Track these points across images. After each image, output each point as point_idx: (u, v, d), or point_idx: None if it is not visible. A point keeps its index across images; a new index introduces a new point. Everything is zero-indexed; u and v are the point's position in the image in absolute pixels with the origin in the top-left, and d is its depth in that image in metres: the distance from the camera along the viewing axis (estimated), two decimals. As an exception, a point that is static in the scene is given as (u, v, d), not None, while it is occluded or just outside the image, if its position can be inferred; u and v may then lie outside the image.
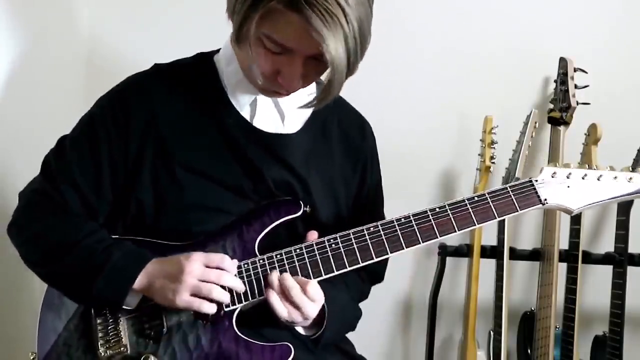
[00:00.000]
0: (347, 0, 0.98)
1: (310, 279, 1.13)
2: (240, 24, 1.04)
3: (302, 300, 1.10)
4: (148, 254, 1.13)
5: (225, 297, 1.09)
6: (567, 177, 1.17)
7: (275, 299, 1.10)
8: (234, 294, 1.12)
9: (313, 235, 1.18)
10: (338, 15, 0.97)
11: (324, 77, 1.12)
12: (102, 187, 1.17)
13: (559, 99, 1.89)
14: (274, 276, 1.11)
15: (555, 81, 1.92)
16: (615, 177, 1.17)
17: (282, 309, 1.10)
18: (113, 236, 1.18)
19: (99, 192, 1.18)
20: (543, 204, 1.16)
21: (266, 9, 0.99)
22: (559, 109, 1.89)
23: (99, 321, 1.15)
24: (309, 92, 1.26)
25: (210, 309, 1.08)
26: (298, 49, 1.03)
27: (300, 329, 1.20)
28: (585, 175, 1.17)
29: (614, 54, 1.97)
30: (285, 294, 1.10)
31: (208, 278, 1.07)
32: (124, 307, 1.12)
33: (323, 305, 1.15)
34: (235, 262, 1.12)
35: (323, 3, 0.96)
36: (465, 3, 2.00)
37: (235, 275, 1.11)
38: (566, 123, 1.89)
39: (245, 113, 1.21)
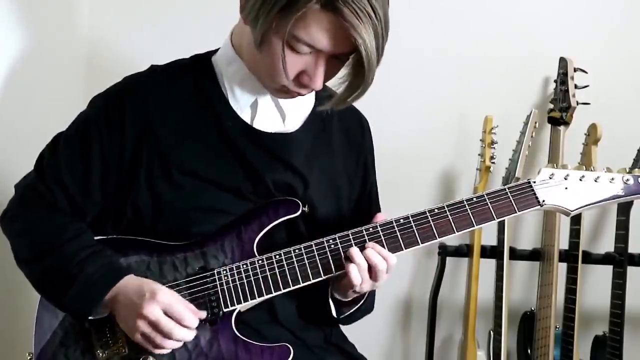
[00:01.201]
0: None
1: (309, 280, 1.13)
2: (268, 29, 1.04)
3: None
4: (122, 270, 1.13)
5: (175, 346, 1.10)
6: (565, 179, 1.17)
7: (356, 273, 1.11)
8: (234, 294, 1.12)
9: (380, 217, 1.18)
10: (368, 10, 0.99)
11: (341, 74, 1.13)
12: (90, 188, 1.17)
13: (559, 99, 1.89)
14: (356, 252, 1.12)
15: (555, 81, 1.92)
16: (613, 179, 1.17)
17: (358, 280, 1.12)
18: (111, 236, 1.19)
19: (86, 193, 1.17)
20: (541, 205, 1.16)
21: (302, 12, 1.00)
22: (559, 109, 1.89)
23: (95, 320, 1.14)
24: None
25: (161, 352, 1.10)
26: (330, 48, 1.04)
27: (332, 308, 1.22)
28: (583, 176, 1.17)
29: (614, 54, 1.97)
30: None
31: (159, 329, 1.07)
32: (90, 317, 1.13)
33: None
34: (197, 320, 1.10)
35: (354, 0, 0.98)
36: (466, 3, 2.00)
37: (195, 329, 1.10)
38: (566, 123, 1.89)
39: (246, 115, 1.20)
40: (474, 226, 1.14)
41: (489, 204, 1.15)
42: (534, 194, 1.16)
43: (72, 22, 1.96)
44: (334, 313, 1.23)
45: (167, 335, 1.07)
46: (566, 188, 1.17)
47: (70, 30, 1.96)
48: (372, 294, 1.26)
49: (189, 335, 1.09)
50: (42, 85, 1.78)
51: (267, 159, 1.19)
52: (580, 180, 1.17)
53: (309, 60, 1.07)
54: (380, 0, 1.01)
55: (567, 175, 1.17)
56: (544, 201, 1.16)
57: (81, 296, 1.11)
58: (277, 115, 1.22)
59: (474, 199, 1.16)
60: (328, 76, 1.12)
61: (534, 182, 1.17)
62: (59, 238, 1.14)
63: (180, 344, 1.10)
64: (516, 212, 1.15)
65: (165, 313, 1.07)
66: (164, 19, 2.00)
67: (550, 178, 1.17)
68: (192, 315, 1.09)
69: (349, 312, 1.24)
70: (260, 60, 1.11)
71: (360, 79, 1.07)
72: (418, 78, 2.01)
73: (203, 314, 1.11)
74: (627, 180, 1.17)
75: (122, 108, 1.16)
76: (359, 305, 1.24)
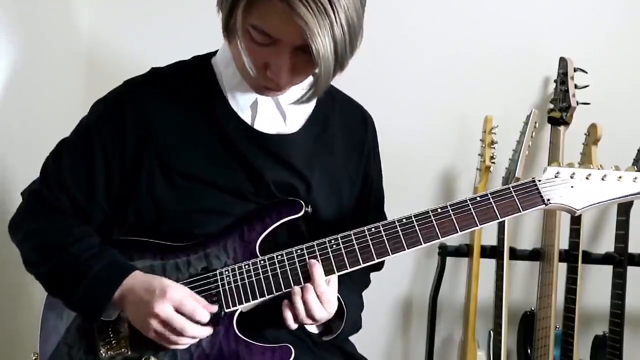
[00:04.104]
0: None
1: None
2: (228, 15, 1.03)
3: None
4: (129, 266, 1.13)
5: (190, 342, 1.10)
6: (571, 177, 1.15)
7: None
8: (236, 295, 1.12)
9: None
10: (324, 3, 0.96)
11: None
12: (94, 193, 1.17)
13: (559, 99, 1.89)
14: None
15: (555, 81, 1.92)
16: (620, 177, 1.14)
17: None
18: (114, 237, 1.19)
19: (91, 198, 1.17)
20: (546, 205, 1.14)
21: None
22: (559, 109, 1.89)
23: (100, 321, 1.14)
24: (305, 88, 1.25)
25: (176, 347, 1.10)
26: (283, 38, 1.01)
27: (312, 328, 1.21)
28: (590, 175, 1.15)
29: (614, 54, 1.98)
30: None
31: (172, 327, 1.07)
32: (102, 318, 1.13)
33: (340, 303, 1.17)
34: (209, 314, 1.10)
35: None
36: (466, 3, 2.01)
37: (206, 324, 1.10)
38: (566, 123, 1.89)
39: (247, 116, 1.20)
40: (477, 226, 1.13)
41: (492, 203, 1.14)
42: (539, 193, 1.14)
43: (72, 22, 1.96)
44: (314, 330, 1.23)
45: (180, 333, 1.07)
46: (572, 187, 1.14)
47: (70, 30, 1.95)
48: (353, 314, 1.23)
49: (202, 331, 1.09)
50: (42, 85, 1.77)
51: (267, 160, 1.19)
52: (587, 178, 1.15)
53: (272, 51, 1.04)
54: (345, 5, 0.97)
55: (574, 173, 1.15)
56: (549, 200, 1.14)
57: (90, 294, 1.10)
58: (278, 115, 1.22)
59: (478, 198, 1.14)
60: (297, 72, 1.07)
61: (539, 180, 1.15)
62: (65, 240, 1.14)
63: (195, 340, 1.10)
64: (520, 212, 1.13)
65: (177, 310, 1.07)
66: (165, 19, 2.00)
67: (555, 176, 1.15)
68: (204, 310, 1.09)
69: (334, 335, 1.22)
70: (233, 52, 1.10)
71: (316, 76, 1.03)
72: (418, 78, 2.01)
73: (215, 308, 1.11)
74: (635, 178, 1.14)
75: (122, 113, 1.16)
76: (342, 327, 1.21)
